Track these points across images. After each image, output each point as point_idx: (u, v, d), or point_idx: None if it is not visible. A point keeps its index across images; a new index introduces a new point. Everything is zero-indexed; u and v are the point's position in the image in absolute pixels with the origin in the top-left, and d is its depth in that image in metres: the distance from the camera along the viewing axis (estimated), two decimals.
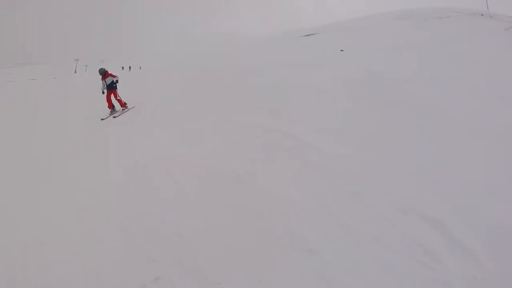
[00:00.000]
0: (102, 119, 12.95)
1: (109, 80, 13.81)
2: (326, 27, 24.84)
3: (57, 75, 43.76)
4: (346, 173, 6.30)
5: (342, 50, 18.18)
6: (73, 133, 10.40)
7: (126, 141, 8.98)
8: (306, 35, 22.82)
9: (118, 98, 13.97)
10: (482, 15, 28.43)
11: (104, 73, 13.82)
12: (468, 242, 4.49)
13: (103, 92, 13.89)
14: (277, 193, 5.78)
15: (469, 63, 13.65)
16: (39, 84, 26.13)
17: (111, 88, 13.82)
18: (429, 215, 5.01)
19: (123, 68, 50.04)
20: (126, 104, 14.11)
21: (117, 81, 13.97)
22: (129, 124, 10.74)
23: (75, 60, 72.16)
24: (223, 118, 9.92)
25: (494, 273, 4.05)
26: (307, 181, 6.15)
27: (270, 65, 15.83)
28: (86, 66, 67.69)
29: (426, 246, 4.45)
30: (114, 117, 13.27)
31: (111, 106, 13.88)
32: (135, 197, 6.03)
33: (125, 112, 13.55)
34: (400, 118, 8.58)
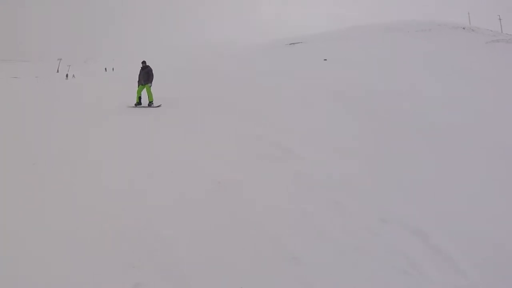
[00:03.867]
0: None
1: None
2: (312, 37, 24.91)
3: (39, 74, 42.88)
4: (328, 182, 6.38)
5: (326, 60, 18.27)
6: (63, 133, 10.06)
7: (112, 146, 8.77)
8: (290, 44, 22.84)
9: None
10: (464, 28, 29.02)
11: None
12: (450, 251, 4.58)
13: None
14: (260, 202, 5.76)
15: (455, 77, 13.94)
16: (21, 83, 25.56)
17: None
18: (410, 225, 5.11)
19: (105, 69, 49.28)
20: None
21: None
22: (114, 129, 10.44)
23: (58, 60, 70.95)
24: (207, 125, 9.93)
25: (477, 282, 4.13)
26: (290, 189, 6.19)
27: (255, 74, 15.81)
28: (69, 66, 66.58)
29: (408, 255, 4.51)
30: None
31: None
32: (115, 201, 5.86)
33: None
34: (385, 129, 8.85)
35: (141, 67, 14.04)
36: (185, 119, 10.73)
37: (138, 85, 13.95)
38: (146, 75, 13.75)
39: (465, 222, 5.24)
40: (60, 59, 70.55)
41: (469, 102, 11.03)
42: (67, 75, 39.46)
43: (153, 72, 14.02)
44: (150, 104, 13.61)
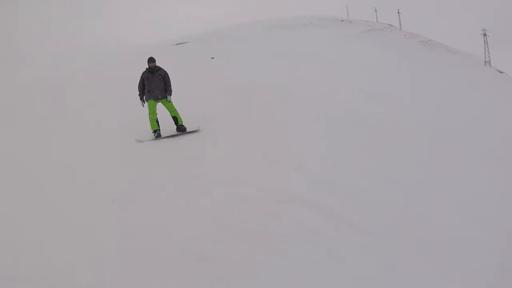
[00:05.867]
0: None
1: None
2: (196, 36, 24.63)
3: None
4: (224, 176, 6.41)
5: (213, 58, 18.16)
6: None
7: None
8: (177, 44, 22.28)
9: None
10: (342, 21, 31.14)
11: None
12: (352, 219, 4.98)
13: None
14: (158, 208, 5.58)
15: (335, 64, 14.78)
16: None
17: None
18: (310, 201, 5.37)
19: None
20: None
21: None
22: None
23: None
24: (92, 134, 8.90)
25: (381, 238, 4.67)
26: (189, 190, 6.04)
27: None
28: None
29: (311, 227, 4.77)
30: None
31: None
32: None
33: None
34: (277, 117, 9.08)
35: (148, 70, 8.52)
36: None
37: (146, 100, 8.53)
38: (160, 82, 8.46)
39: (365, 190, 5.77)
40: None
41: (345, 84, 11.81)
42: None
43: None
44: (181, 128, 8.57)
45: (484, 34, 42.36)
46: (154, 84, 8.39)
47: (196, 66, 16.01)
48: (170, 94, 8.52)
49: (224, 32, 25.15)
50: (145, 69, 8.55)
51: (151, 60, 8.55)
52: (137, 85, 8.63)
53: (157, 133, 8.35)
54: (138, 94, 8.64)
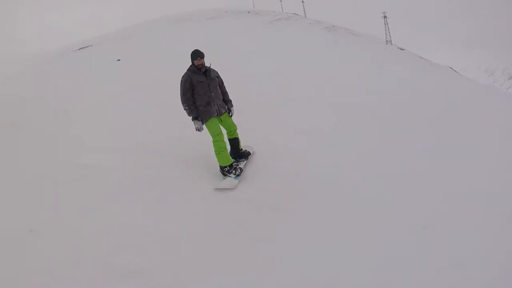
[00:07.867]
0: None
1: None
2: (101, 38, 23.48)
3: None
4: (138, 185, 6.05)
5: (119, 60, 17.34)
6: None
7: None
8: (79, 49, 21.02)
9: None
10: (249, 12, 31.74)
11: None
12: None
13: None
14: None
15: (248, 54, 14.89)
16: None
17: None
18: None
19: None
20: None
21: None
22: None
23: None
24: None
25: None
26: (98, 202, 5.63)
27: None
28: None
29: (236, 215, 5.16)
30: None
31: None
32: None
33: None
34: None
35: (198, 71, 5.52)
36: None
37: (205, 120, 5.61)
38: (218, 89, 5.76)
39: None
40: None
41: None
42: None
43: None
44: (245, 153, 6.14)
45: (385, 17, 47.27)
46: (214, 92, 5.61)
47: (105, 70, 15.16)
48: (232, 105, 6.03)
49: (131, 31, 24.26)
50: (189, 71, 5.57)
51: (198, 54, 5.50)
52: (182, 97, 5.57)
53: (238, 168, 5.74)
54: (187, 112, 5.62)
